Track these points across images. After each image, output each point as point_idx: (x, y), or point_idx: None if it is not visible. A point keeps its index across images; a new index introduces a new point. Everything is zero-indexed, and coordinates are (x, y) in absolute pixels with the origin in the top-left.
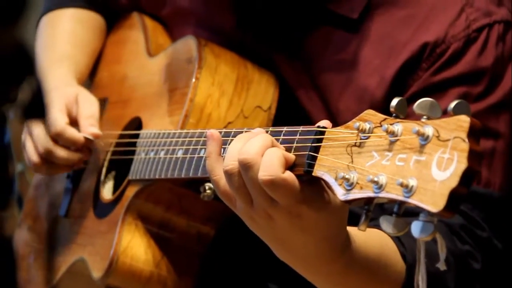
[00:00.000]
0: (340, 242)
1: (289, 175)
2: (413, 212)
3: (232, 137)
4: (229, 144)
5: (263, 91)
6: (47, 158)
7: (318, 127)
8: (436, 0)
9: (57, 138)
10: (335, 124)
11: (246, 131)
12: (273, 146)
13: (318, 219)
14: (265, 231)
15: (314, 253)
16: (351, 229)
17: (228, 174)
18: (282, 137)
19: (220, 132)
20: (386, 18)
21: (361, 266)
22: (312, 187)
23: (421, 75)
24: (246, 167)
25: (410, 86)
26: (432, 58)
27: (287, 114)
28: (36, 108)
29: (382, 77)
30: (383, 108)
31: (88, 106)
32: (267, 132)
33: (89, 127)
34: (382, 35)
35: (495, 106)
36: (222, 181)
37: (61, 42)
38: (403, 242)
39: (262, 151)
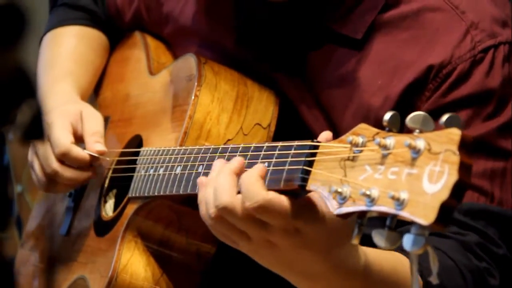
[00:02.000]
0: (349, 253)
1: (272, 194)
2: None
3: (229, 153)
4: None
5: (263, 109)
6: (53, 178)
7: (312, 141)
8: (440, 22)
9: (62, 158)
10: None
11: (242, 147)
12: (235, 171)
13: (317, 232)
14: (273, 261)
15: (325, 271)
16: (365, 248)
17: (214, 221)
18: (277, 152)
19: (218, 148)
20: (390, 39)
21: (377, 281)
22: (305, 201)
23: (428, 96)
24: (227, 213)
25: (417, 107)
26: (438, 79)
27: (290, 131)
28: (37, 129)
29: (387, 97)
30: None
31: (93, 122)
32: (262, 147)
33: (95, 144)
34: (386, 55)
35: (504, 126)
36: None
37: (63, 60)
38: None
39: (234, 190)
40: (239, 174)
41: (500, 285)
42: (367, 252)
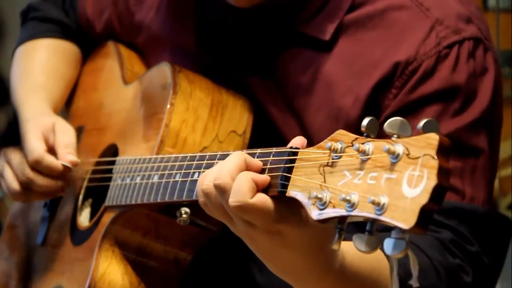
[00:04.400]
0: (329, 256)
1: (257, 199)
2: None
3: (207, 160)
4: (203, 168)
5: (238, 116)
6: (27, 186)
7: (291, 148)
8: (406, 21)
9: (36, 166)
10: (311, 144)
11: (220, 154)
12: (247, 165)
13: (300, 235)
14: (252, 248)
15: (304, 268)
16: (343, 244)
17: (205, 193)
18: (255, 159)
19: (195, 156)
20: (357, 39)
21: (353, 281)
22: (288, 205)
23: (395, 93)
24: (220, 191)
25: (385, 105)
26: (405, 76)
27: (264, 137)
28: (12, 137)
29: (356, 96)
30: (359, 127)
31: (65, 135)
32: None
33: (67, 155)
34: (354, 55)
35: (474, 122)
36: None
37: (36, 73)
38: None
39: (236, 174)
40: (242, 167)
41: (472, 282)
42: (345, 255)
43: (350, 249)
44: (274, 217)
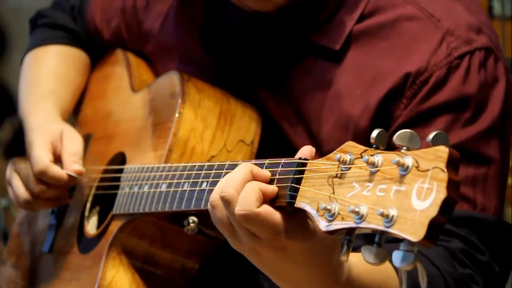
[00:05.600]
0: (335, 268)
1: (264, 210)
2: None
3: (215, 170)
4: (212, 177)
5: (246, 125)
6: (34, 195)
7: (300, 158)
8: (416, 31)
9: (41, 176)
10: (320, 153)
11: (229, 164)
12: (254, 176)
13: (305, 249)
14: (256, 263)
15: (309, 281)
16: (350, 256)
17: (212, 205)
18: (264, 169)
19: (203, 166)
20: (368, 49)
21: None
22: (294, 219)
23: (406, 103)
24: (226, 203)
25: (396, 115)
26: (416, 86)
27: (273, 147)
28: (18, 146)
29: (366, 106)
30: (368, 136)
31: (72, 143)
32: None
33: (72, 164)
34: (364, 65)
35: (485, 132)
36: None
37: (45, 79)
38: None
39: (241, 187)
40: (249, 179)
41: None
42: (352, 267)
43: (357, 261)
44: (279, 230)
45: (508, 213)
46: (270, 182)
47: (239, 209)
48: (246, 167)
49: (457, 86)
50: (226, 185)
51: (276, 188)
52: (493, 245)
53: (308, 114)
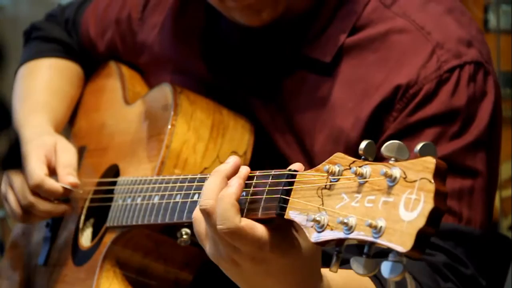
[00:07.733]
0: (313, 285)
1: (246, 224)
2: (385, 252)
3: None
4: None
5: (239, 137)
6: (28, 209)
7: (290, 170)
8: (407, 44)
9: (36, 190)
10: (312, 166)
11: None
12: (228, 181)
13: (284, 264)
14: (234, 276)
15: None
16: (327, 272)
17: (194, 221)
18: (255, 181)
19: (195, 177)
20: (359, 61)
21: None
22: (277, 232)
23: (396, 116)
24: (205, 216)
25: (385, 127)
26: (405, 99)
27: (265, 158)
28: (14, 159)
29: (357, 119)
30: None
31: (66, 154)
32: None
33: (67, 177)
34: (355, 78)
35: (471, 144)
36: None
37: (38, 92)
38: (383, 283)
39: (216, 195)
40: (229, 176)
41: None
42: (331, 282)
43: (335, 277)
44: (262, 244)
45: (503, 225)
46: (259, 194)
47: (221, 227)
48: (217, 175)
49: (446, 100)
50: (203, 197)
51: (248, 168)
52: (478, 258)
53: (299, 126)
